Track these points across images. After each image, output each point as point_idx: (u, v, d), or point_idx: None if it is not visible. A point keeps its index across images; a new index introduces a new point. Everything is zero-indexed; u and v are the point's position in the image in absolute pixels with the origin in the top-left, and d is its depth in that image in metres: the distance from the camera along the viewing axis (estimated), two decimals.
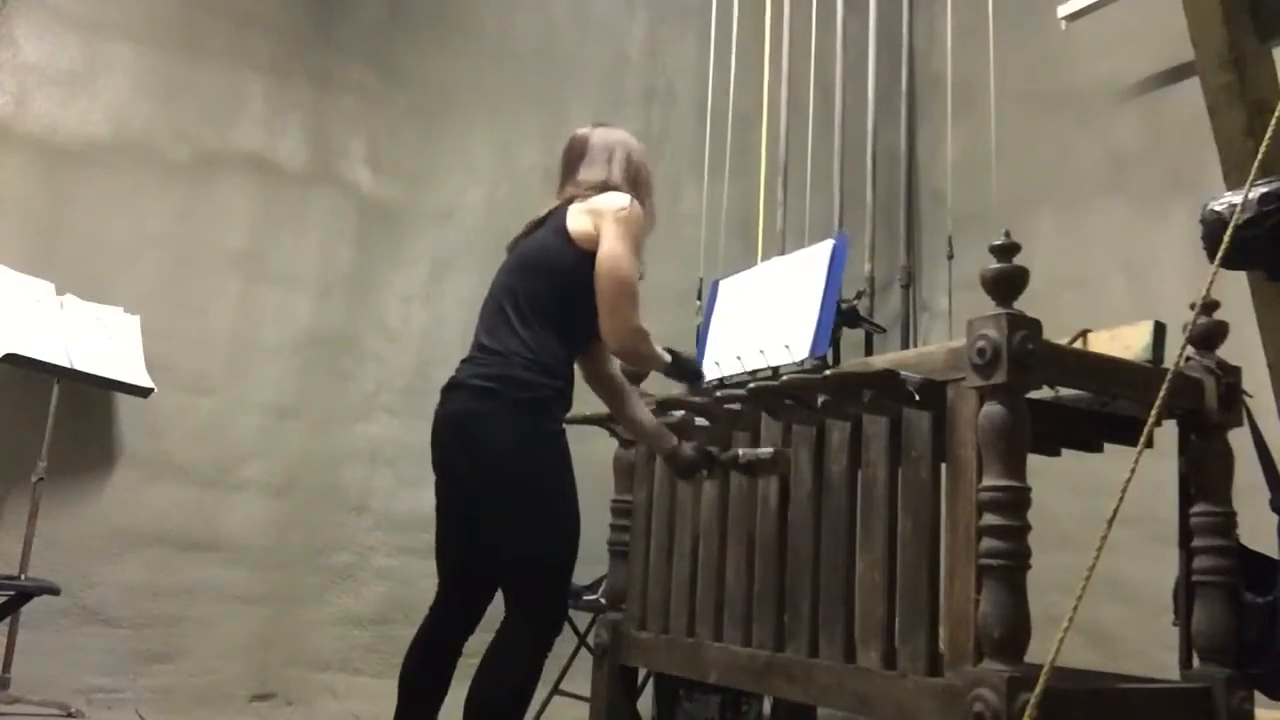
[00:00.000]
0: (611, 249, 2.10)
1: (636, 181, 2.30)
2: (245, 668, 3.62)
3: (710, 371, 2.52)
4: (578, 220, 2.16)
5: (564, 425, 2.19)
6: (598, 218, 2.14)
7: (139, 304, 3.51)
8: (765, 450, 2.12)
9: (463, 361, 2.24)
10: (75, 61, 3.61)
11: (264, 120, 3.90)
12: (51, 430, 3.23)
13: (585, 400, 2.52)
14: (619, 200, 2.17)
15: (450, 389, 2.20)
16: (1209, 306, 2.02)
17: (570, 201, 2.23)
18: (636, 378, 2.44)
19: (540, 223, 2.26)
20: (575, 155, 2.35)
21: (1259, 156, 1.66)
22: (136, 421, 3.54)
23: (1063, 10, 4.07)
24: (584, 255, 2.14)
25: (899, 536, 1.85)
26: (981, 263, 1.76)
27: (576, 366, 2.27)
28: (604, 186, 2.24)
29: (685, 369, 2.27)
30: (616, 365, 2.32)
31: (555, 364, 2.14)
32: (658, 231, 4.67)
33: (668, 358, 2.23)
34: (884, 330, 2.90)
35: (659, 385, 2.69)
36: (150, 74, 3.71)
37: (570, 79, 4.49)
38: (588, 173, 2.28)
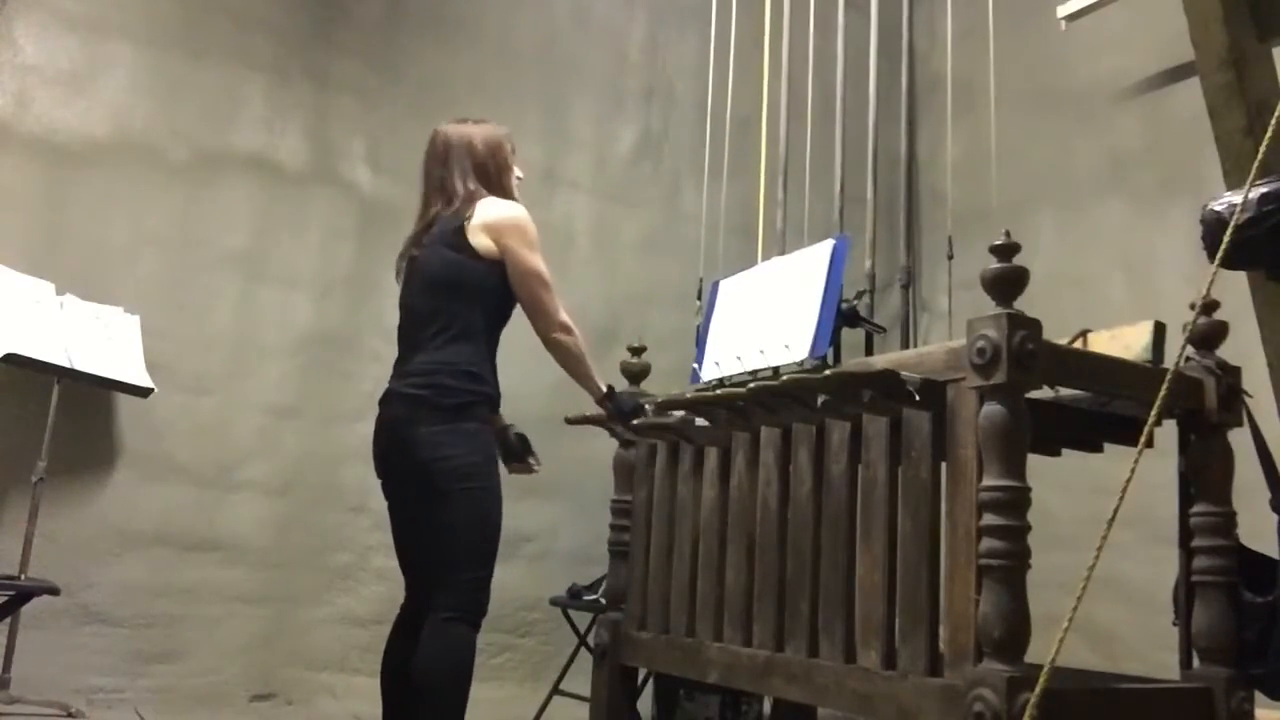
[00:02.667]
0: (523, 260, 2.36)
1: (487, 170, 2.48)
2: (245, 668, 3.62)
3: (710, 371, 2.53)
4: (478, 238, 2.36)
5: (487, 422, 2.38)
6: (497, 234, 2.36)
7: (139, 304, 3.51)
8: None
9: (393, 373, 2.44)
10: (75, 61, 3.60)
11: (264, 120, 3.90)
12: (51, 430, 3.23)
13: (586, 401, 2.52)
14: (510, 213, 2.40)
15: (386, 399, 2.41)
16: (1209, 306, 2.02)
17: (436, 220, 2.43)
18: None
19: (425, 243, 2.43)
20: (426, 166, 2.56)
21: (1259, 156, 1.66)
22: (136, 421, 3.54)
23: (1063, 10, 4.07)
24: (490, 266, 2.36)
25: (899, 536, 1.85)
26: (981, 263, 1.76)
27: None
28: (460, 198, 2.42)
29: (621, 405, 2.44)
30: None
31: (480, 372, 2.36)
32: (658, 231, 4.68)
33: (603, 386, 2.43)
34: (884, 330, 2.90)
35: (659, 386, 2.70)
36: (150, 74, 3.71)
37: (570, 79, 4.49)
38: (437, 193, 2.48)
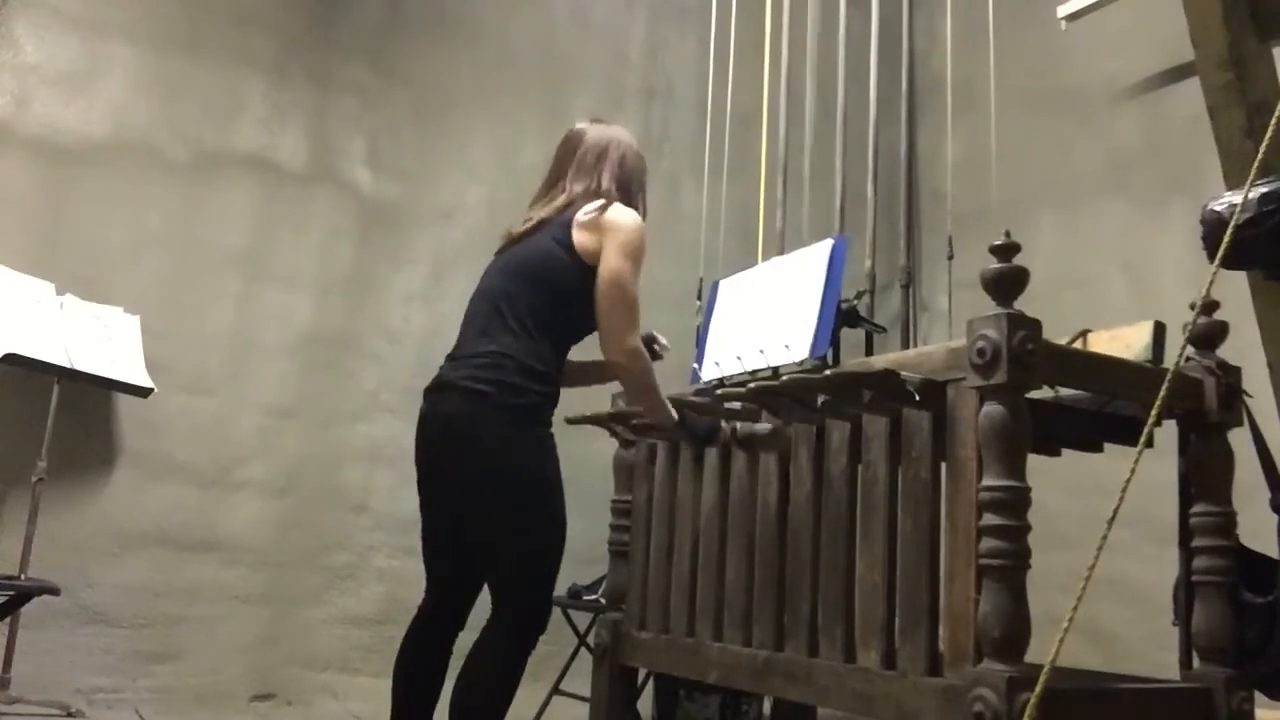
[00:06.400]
0: (616, 268, 2.15)
1: (629, 185, 2.34)
2: (245, 668, 3.62)
3: (710, 371, 2.53)
4: (583, 236, 2.19)
5: (551, 428, 2.22)
6: (602, 234, 2.18)
7: (139, 304, 3.51)
8: (763, 426, 2.15)
9: (450, 360, 2.27)
10: (75, 61, 3.60)
11: (264, 120, 3.90)
12: (51, 430, 3.23)
13: (586, 400, 2.52)
14: (624, 220, 2.21)
15: (440, 389, 2.22)
16: (1209, 306, 2.02)
17: (567, 207, 2.26)
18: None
19: (538, 227, 2.27)
20: (568, 153, 2.39)
21: (1259, 156, 1.66)
22: (136, 421, 3.54)
23: (1063, 10, 4.07)
24: (587, 269, 2.18)
25: (899, 536, 1.85)
26: (981, 263, 1.76)
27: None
28: (598, 194, 2.27)
29: (694, 429, 2.24)
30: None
31: (548, 371, 2.19)
32: (658, 231, 4.67)
33: (675, 414, 2.22)
34: (884, 330, 2.90)
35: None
36: (150, 74, 3.71)
37: (570, 79, 4.49)
38: (580, 179, 2.32)
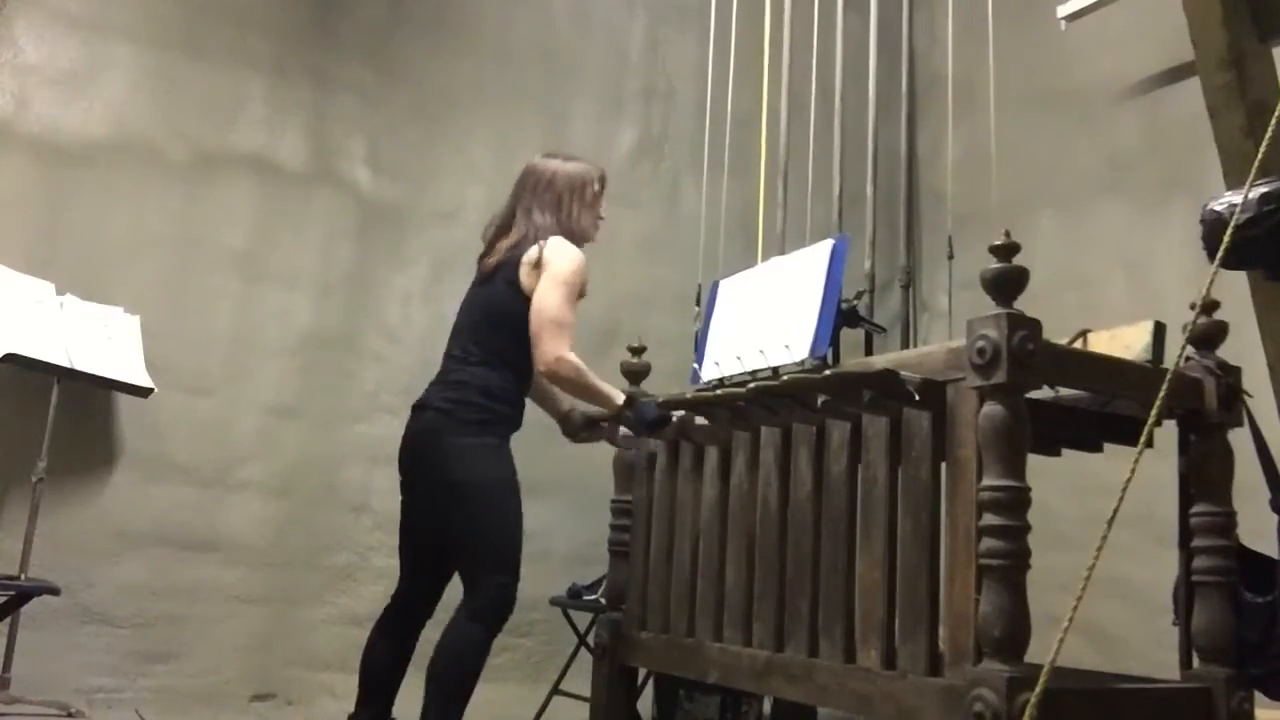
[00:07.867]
0: (542, 294, 2.45)
1: (561, 207, 2.60)
2: (245, 668, 3.62)
3: (710, 371, 2.53)
4: (527, 276, 2.49)
5: (507, 440, 2.51)
6: (540, 270, 2.47)
7: (139, 304, 3.51)
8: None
9: (431, 384, 2.58)
10: (75, 61, 3.60)
11: (264, 120, 3.90)
12: (51, 430, 3.23)
13: (586, 403, 2.52)
14: (559, 254, 2.48)
15: (417, 409, 2.56)
16: (1209, 306, 2.02)
17: (516, 246, 2.54)
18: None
19: (496, 269, 2.55)
20: (520, 188, 2.66)
21: (1259, 156, 1.66)
22: (136, 421, 3.54)
23: (1063, 10, 4.06)
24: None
25: (899, 536, 1.85)
26: (981, 263, 1.76)
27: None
28: (538, 232, 2.54)
29: (641, 415, 2.39)
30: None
31: (506, 394, 2.51)
32: (658, 232, 4.69)
33: (619, 398, 2.43)
34: (884, 330, 2.91)
35: (659, 386, 2.70)
36: (150, 74, 3.71)
37: (570, 79, 4.48)
38: (524, 217, 2.59)
